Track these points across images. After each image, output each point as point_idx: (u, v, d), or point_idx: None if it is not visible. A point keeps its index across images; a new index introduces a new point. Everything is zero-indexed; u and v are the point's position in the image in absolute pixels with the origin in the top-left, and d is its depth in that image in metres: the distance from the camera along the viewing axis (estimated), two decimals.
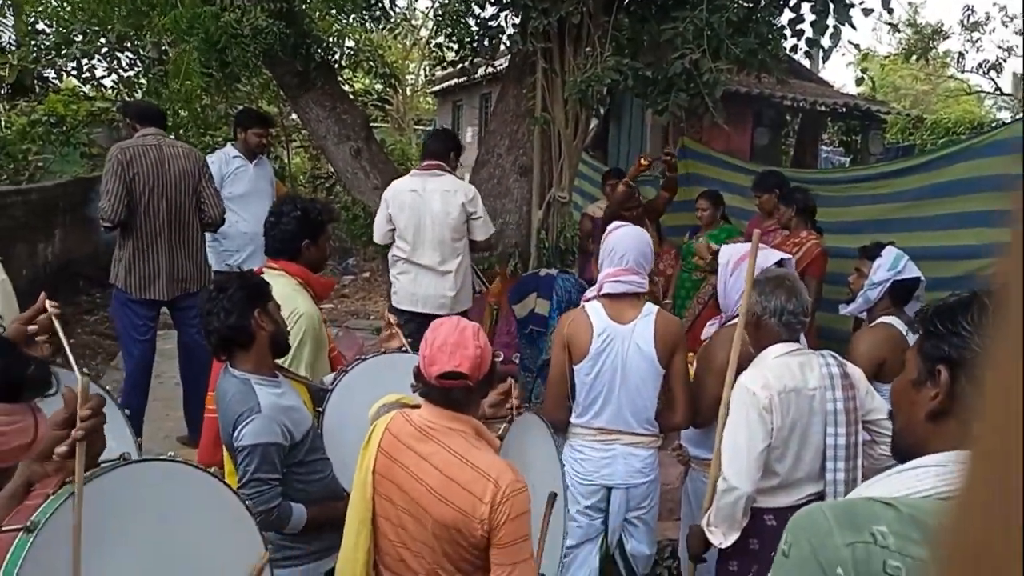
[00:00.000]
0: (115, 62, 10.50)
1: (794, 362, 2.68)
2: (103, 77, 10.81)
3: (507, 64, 7.02)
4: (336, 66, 7.41)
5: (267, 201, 5.67)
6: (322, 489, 2.55)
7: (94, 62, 10.48)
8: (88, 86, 10.80)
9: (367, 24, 9.32)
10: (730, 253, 3.25)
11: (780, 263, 3.14)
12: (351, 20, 8.31)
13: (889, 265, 3.69)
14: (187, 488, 1.86)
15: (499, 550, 2.04)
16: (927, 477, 1.14)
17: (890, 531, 1.05)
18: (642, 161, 5.79)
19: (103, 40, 9.55)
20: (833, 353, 2.80)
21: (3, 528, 1.28)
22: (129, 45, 10.06)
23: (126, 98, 9.52)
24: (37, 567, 1.38)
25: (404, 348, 3.00)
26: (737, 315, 3.18)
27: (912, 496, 1.12)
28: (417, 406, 2.25)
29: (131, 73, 10.39)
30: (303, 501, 2.49)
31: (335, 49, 7.58)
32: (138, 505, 1.73)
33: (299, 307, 3.02)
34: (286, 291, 2.94)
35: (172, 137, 5.72)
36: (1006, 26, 25.04)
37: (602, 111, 8.55)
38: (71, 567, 1.44)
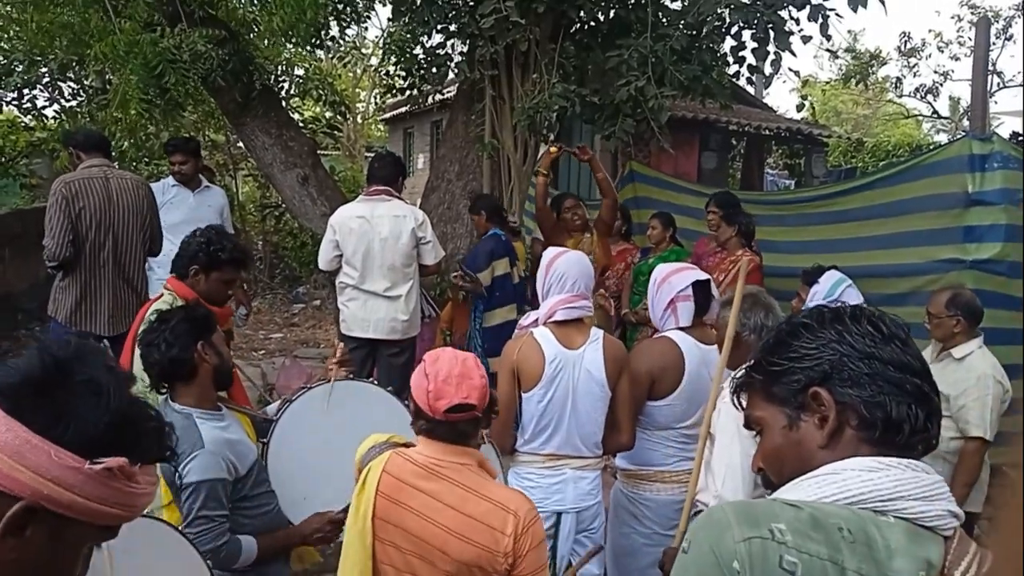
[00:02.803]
0: (57, 92, 10.30)
1: None
2: (44, 107, 10.61)
3: (456, 92, 7.05)
4: (283, 93, 7.36)
5: None
6: (268, 523, 2.49)
7: (35, 92, 10.28)
8: (28, 116, 10.57)
9: (315, 52, 9.30)
10: (660, 272, 3.28)
11: (698, 283, 3.16)
12: (299, 49, 8.29)
13: (826, 293, 3.74)
14: (151, 537, 1.99)
15: None
16: (827, 484, 1.15)
17: (789, 528, 1.07)
18: (551, 149, 5.70)
19: (44, 70, 9.37)
20: None
21: None
22: (72, 75, 9.88)
23: (67, 128, 9.32)
24: None
25: (351, 376, 2.95)
26: (665, 330, 3.21)
27: (816, 501, 1.14)
28: (407, 444, 2.17)
29: (74, 103, 10.21)
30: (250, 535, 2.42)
31: (284, 77, 7.54)
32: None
33: None
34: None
35: (116, 166, 5.61)
36: (942, 51, 25.97)
37: (552, 136, 8.63)
38: None
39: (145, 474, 1.02)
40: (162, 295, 3.11)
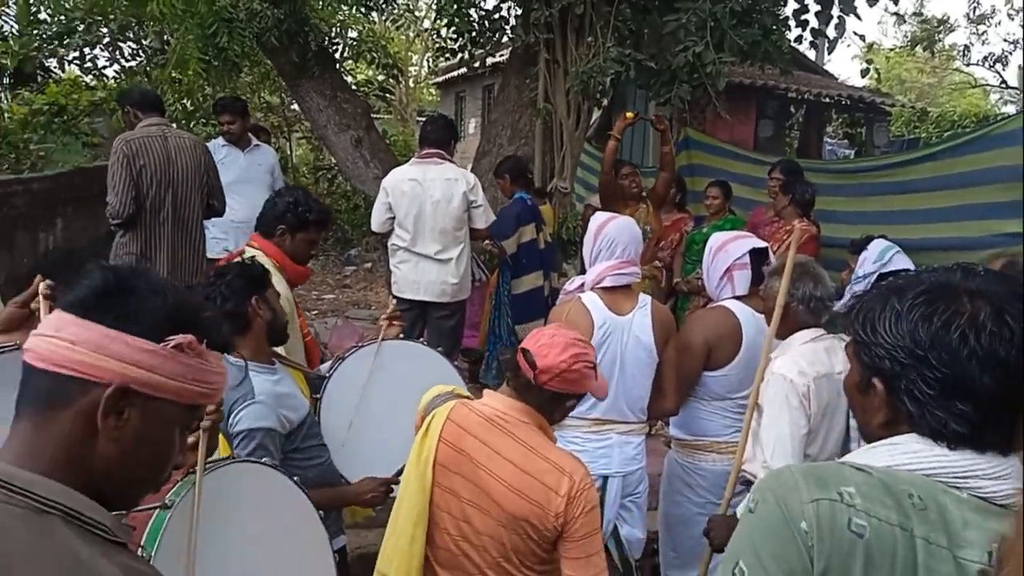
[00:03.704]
0: (117, 52, 10.48)
1: (820, 347, 2.70)
2: (105, 67, 10.80)
3: (509, 55, 7.00)
4: (337, 55, 7.39)
5: (263, 189, 5.60)
6: (319, 475, 2.54)
7: (96, 52, 10.47)
8: (90, 76, 10.78)
9: (369, 15, 9.30)
10: (716, 240, 3.24)
11: (755, 251, 3.11)
12: (353, 10, 8.29)
13: (875, 258, 3.67)
14: (270, 486, 2.09)
15: (573, 543, 2.03)
16: (899, 454, 1.13)
17: (858, 492, 1.06)
18: (627, 115, 5.52)
19: (105, 30, 9.52)
20: None
21: (142, 507, 1.58)
22: (132, 35, 10.04)
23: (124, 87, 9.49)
24: (173, 538, 1.73)
25: (401, 335, 2.98)
26: (722, 299, 3.17)
27: (887, 467, 1.12)
28: (469, 397, 2.21)
29: (133, 63, 10.38)
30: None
31: (337, 39, 7.58)
32: (240, 498, 1.99)
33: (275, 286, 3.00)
34: None
35: (175, 126, 5.69)
36: (1012, 19, 24.90)
37: (605, 102, 8.52)
38: (191, 544, 1.74)
39: (214, 356, 1.17)
40: (243, 251, 3.15)
